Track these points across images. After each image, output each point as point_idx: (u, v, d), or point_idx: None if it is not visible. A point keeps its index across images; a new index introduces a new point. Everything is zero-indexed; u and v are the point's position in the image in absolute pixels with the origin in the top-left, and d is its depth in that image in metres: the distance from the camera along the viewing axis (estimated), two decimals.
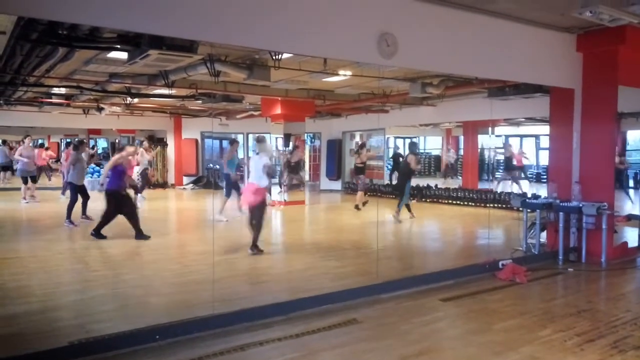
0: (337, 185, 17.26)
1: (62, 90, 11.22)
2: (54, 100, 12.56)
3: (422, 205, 13.19)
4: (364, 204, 12.23)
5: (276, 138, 14.23)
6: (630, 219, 7.43)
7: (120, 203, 7.95)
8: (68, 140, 20.23)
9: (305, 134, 14.62)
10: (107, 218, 7.93)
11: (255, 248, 7.10)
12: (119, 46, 5.87)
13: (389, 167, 17.10)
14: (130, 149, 8.95)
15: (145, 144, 14.72)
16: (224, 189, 10.42)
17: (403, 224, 10.36)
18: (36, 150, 14.91)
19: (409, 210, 10.70)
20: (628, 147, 10.46)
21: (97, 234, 7.90)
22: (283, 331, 4.17)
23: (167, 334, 3.99)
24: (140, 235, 7.99)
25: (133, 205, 8.36)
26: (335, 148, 17.25)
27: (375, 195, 14.98)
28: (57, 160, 18.68)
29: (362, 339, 4.05)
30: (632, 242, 7.18)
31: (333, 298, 4.90)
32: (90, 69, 8.49)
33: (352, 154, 13.76)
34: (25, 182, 12.74)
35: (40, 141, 30.85)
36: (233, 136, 18.50)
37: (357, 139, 17.24)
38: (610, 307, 4.92)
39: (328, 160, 17.54)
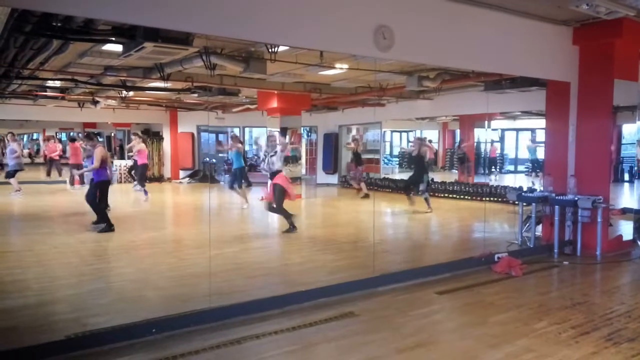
0: (334, 179, 17.26)
1: (57, 83, 11.15)
2: (49, 93, 12.49)
3: (418, 199, 13.19)
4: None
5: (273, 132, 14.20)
6: (625, 212, 7.46)
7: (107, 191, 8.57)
8: (72, 134, 20.32)
9: (302, 128, 14.60)
10: (104, 207, 8.48)
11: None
12: (113, 38, 5.84)
13: (387, 161, 17.16)
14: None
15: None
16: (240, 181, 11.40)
17: (399, 217, 10.40)
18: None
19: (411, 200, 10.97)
20: (623, 141, 10.47)
21: (108, 226, 8.20)
22: (280, 324, 4.18)
23: (164, 327, 3.99)
24: (99, 224, 8.38)
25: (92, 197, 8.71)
26: (331, 142, 17.23)
27: (371, 188, 15.03)
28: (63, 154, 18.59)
29: (358, 332, 4.06)
30: (627, 235, 7.21)
31: (330, 291, 4.91)
32: (85, 61, 8.43)
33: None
34: (13, 175, 13.00)
35: (35, 135, 30.83)
36: (229, 130, 18.54)
37: (354, 132, 17.24)
38: (605, 300, 4.96)
39: (325, 154, 17.53)
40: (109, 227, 8.14)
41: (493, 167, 17.10)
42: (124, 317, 4.25)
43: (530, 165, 16.01)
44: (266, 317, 4.34)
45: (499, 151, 18.03)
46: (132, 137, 13.92)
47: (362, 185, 13.69)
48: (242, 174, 11.37)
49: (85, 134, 11.02)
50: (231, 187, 11.47)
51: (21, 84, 10.79)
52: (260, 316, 4.34)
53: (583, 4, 5.42)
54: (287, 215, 8.22)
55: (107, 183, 8.45)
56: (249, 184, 11.77)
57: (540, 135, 17.41)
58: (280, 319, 4.30)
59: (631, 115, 7.25)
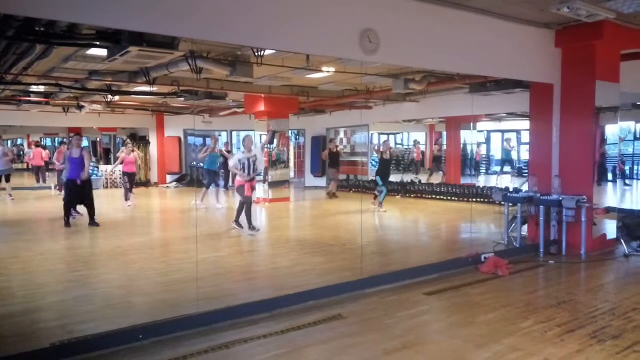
0: (322, 181, 17.27)
1: (41, 88, 11.04)
2: (33, 98, 12.32)
3: (405, 200, 13.29)
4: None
5: (260, 135, 14.18)
6: (609, 211, 7.57)
7: (77, 190, 8.96)
8: (61, 139, 20.31)
9: (289, 131, 14.61)
10: (66, 205, 9.09)
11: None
12: (98, 43, 5.79)
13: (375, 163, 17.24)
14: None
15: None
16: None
17: (387, 219, 10.43)
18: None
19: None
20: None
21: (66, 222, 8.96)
22: (268, 328, 4.18)
23: (151, 333, 3.96)
24: (92, 222, 9.08)
25: (90, 192, 9.21)
26: (319, 144, 17.25)
27: (359, 191, 15.08)
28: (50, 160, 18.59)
29: (346, 334, 4.07)
30: (611, 234, 7.32)
31: (318, 294, 4.91)
32: (69, 66, 8.36)
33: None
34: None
35: (19, 140, 30.50)
36: (216, 133, 18.51)
37: (341, 135, 17.30)
38: (589, 298, 5.02)
39: (312, 156, 17.55)
40: (67, 223, 8.93)
41: (478, 169, 17.24)
42: (111, 323, 4.21)
43: (501, 164, 16.36)
44: (254, 320, 4.33)
45: (484, 153, 18.21)
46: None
47: (332, 185, 14.13)
48: (212, 176, 11.94)
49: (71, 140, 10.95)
50: (207, 188, 11.97)
51: (4, 89, 10.66)
52: (248, 320, 4.33)
53: (564, 7, 5.51)
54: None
55: (70, 181, 8.94)
56: (218, 186, 12.24)
57: (524, 137, 17.75)
58: (269, 323, 4.30)
59: (613, 116, 7.36)
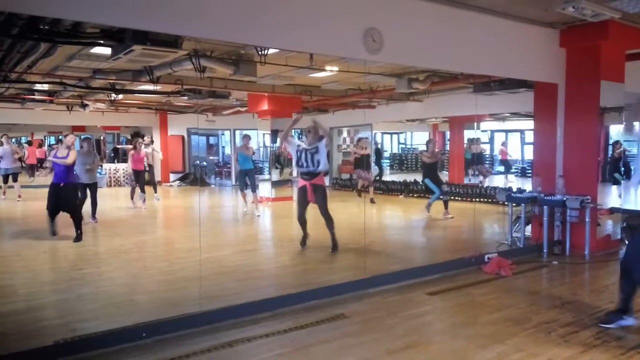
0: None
1: (45, 87, 11.07)
2: (37, 96, 12.35)
3: (409, 200, 13.26)
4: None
5: (263, 134, 14.19)
6: (613, 212, 7.54)
7: (58, 197, 7.67)
8: (61, 137, 20.37)
9: (293, 130, 14.59)
10: (49, 213, 7.77)
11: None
12: (102, 41, 5.80)
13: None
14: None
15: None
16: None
17: (389, 219, 10.41)
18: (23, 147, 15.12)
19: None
20: (611, 142, 10.60)
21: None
22: (271, 327, 4.18)
23: (154, 331, 3.97)
24: (78, 236, 7.67)
25: (75, 200, 8.05)
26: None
27: (363, 190, 15.05)
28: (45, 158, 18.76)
29: (349, 334, 4.06)
30: (615, 235, 7.29)
31: (321, 293, 4.91)
32: (73, 64, 8.39)
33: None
34: (5, 181, 12.68)
35: (24, 139, 30.69)
36: (220, 132, 18.51)
37: (345, 134, 17.28)
38: (593, 299, 5.00)
39: None
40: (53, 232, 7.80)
41: (504, 169, 16.75)
42: (114, 321, 4.22)
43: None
44: (257, 320, 4.33)
45: (511, 155, 17.32)
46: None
47: (371, 189, 13.34)
48: (244, 177, 10.92)
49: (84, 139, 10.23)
50: (241, 190, 11.02)
51: (8, 88, 10.69)
52: (251, 319, 4.33)
53: (569, 7, 5.49)
54: (332, 223, 7.08)
55: (52, 185, 7.79)
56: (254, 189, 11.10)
57: (528, 137, 17.37)
58: (272, 322, 4.30)
59: (618, 116, 7.34)
